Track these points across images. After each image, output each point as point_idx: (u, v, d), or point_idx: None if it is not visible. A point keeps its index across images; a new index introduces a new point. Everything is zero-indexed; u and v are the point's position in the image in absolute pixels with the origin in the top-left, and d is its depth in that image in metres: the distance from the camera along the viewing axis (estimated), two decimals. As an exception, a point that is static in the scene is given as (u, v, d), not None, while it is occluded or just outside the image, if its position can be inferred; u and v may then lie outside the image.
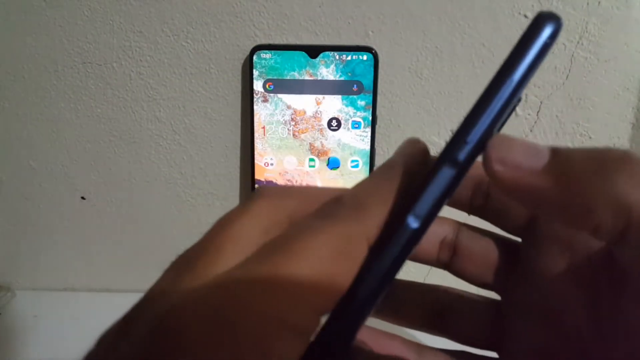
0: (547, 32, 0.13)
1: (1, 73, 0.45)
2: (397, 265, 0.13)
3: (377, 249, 0.13)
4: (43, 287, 0.52)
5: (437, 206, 0.13)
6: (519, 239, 0.18)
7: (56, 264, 0.51)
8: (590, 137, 0.45)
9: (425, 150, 0.16)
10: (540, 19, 0.13)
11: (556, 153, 0.13)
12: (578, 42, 0.42)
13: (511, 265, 0.17)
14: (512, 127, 0.45)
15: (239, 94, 0.45)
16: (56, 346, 0.46)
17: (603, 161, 0.12)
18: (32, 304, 0.50)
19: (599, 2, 0.41)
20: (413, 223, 0.13)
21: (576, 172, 0.12)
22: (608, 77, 0.43)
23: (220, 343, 0.10)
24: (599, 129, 0.44)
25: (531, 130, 0.45)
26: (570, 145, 0.45)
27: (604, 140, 0.45)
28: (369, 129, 0.43)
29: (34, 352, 0.46)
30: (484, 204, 0.17)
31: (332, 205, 0.14)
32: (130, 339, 0.11)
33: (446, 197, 0.13)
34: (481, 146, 0.13)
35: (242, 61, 0.44)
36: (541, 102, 0.44)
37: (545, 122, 0.44)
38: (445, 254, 0.18)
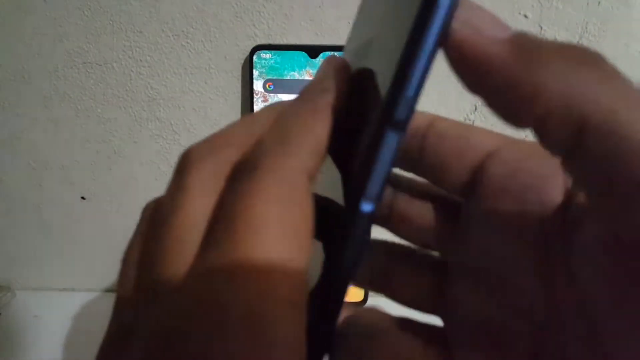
0: None
1: (1, 73, 0.45)
2: (361, 254, 0.12)
3: (334, 243, 0.12)
4: (43, 287, 0.52)
5: (386, 179, 0.11)
6: (460, 199, 0.16)
7: (56, 264, 0.51)
8: (590, 137, 0.45)
9: (345, 66, 0.14)
10: None
11: (522, 33, 0.11)
12: (578, 42, 0.42)
13: (452, 227, 0.16)
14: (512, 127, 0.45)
15: (239, 94, 0.45)
16: (56, 346, 0.46)
17: (568, 48, 0.10)
18: (32, 304, 0.50)
19: (599, 2, 0.40)
20: (367, 207, 0.11)
21: (536, 50, 0.10)
22: (608, 77, 0.43)
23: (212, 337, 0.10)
24: (599, 129, 0.44)
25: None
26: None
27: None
28: (369, 129, 0.43)
29: (34, 352, 0.46)
30: (419, 158, 0.15)
31: (256, 152, 0.12)
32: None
33: (393, 164, 0.12)
34: (418, 96, 0.11)
35: (242, 61, 0.44)
36: (541, 102, 0.44)
37: (545, 122, 0.44)
38: (384, 214, 0.16)
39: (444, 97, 0.44)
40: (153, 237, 0.12)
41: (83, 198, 0.49)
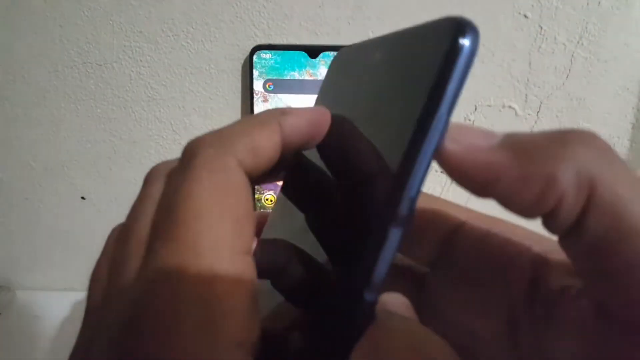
0: (465, 53, 0.11)
1: (1, 73, 0.45)
2: (360, 336, 0.12)
3: (324, 316, 0.12)
4: (43, 287, 0.52)
5: (389, 269, 0.12)
6: (427, 269, 0.16)
7: (56, 264, 0.51)
8: (590, 137, 0.45)
9: (324, 119, 0.14)
10: (455, 39, 0.11)
11: (511, 133, 0.12)
12: (578, 42, 0.42)
13: (418, 298, 0.16)
14: (513, 127, 0.45)
15: (239, 94, 0.45)
16: (56, 346, 0.46)
17: (564, 134, 0.11)
18: (32, 304, 0.50)
19: (599, 2, 0.41)
20: (371, 297, 0.12)
21: (535, 144, 0.11)
22: (608, 77, 0.43)
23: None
24: (599, 129, 0.44)
25: (531, 130, 0.45)
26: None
27: (604, 140, 0.45)
28: (369, 129, 0.43)
29: (34, 352, 0.46)
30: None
31: (194, 150, 0.13)
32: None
33: (395, 256, 0.12)
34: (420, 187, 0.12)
35: (242, 61, 0.44)
36: (541, 102, 0.44)
37: (546, 122, 0.44)
38: None
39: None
40: (118, 247, 0.13)
41: (83, 198, 0.49)
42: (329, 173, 0.15)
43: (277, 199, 0.17)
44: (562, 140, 0.11)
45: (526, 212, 0.11)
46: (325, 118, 0.14)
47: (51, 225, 0.49)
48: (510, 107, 0.44)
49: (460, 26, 0.11)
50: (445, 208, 0.15)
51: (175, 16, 0.43)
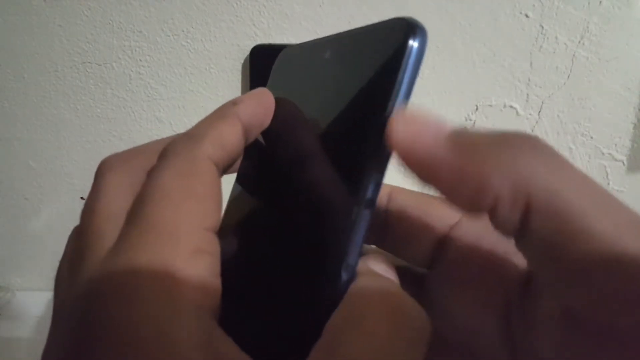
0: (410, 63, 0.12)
1: (1, 73, 0.45)
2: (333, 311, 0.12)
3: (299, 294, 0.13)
4: (43, 288, 0.52)
5: (361, 250, 0.12)
6: (425, 270, 0.16)
7: (56, 265, 0.51)
8: (591, 137, 0.44)
9: (268, 99, 0.15)
10: (405, 39, 0.12)
11: (459, 129, 0.12)
12: (579, 42, 0.42)
13: (417, 298, 0.16)
14: (514, 127, 0.44)
15: (239, 94, 0.45)
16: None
17: (506, 137, 0.11)
18: (32, 304, 0.50)
19: (600, 2, 0.40)
20: (346, 276, 0.12)
21: (476, 144, 0.11)
22: (609, 76, 0.42)
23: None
24: (600, 128, 0.44)
25: (532, 130, 0.45)
26: (571, 145, 0.45)
27: (606, 140, 0.45)
28: (369, 129, 0.43)
29: (34, 353, 0.46)
30: (382, 232, 0.16)
31: (167, 148, 0.14)
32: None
33: (365, 237, 0.13)
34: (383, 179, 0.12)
35: (242, 61, 0.44)
36: (542, 102, 0.44)
37: (547, 121, 0.44)
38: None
39: (444, 97, 0.44)
40: (76, 244, 0.13)
41: (82, 198, 0.49)
42: (284, 158, 0.15)
43: (233, 188, 0.17)
44: (503, 144, 0.11)
45: (464, 208, 0.12)
46: (268, 95, 0.15)
47: (51, 225, 0.49)
48: (511, 106, 0.44)
49: (410, 27, 0.12)
50: (437, 209, 0.15)
51: (175, 16, 0.43)
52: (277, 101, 0.16)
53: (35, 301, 0.50)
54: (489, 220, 0.15)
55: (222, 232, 0.13)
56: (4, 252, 0.51)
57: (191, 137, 0.14)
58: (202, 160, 0.13)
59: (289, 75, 0.17)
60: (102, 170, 0.14)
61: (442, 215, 0.15)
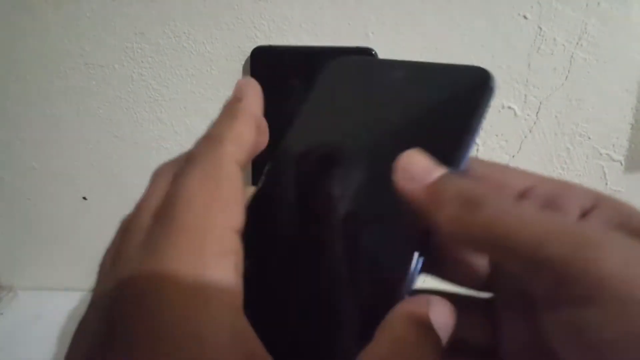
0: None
1: (3, 73, 0.45)
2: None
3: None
4: (44, 287, 0.52)
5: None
6: (488, 294, 0.17)
7: (57, 264, 0.51)
8: (589, 138, 0.45)
9: (254, 84, 0.16)
10: (491, 84, 0.16)
11: (441, 178, 0.14)
12: (577, 43, 0.42)
13: (485, 324, 0.17)
14: (512, 128, 0.45)
15: (240, 95, 0.45)
16: (57, 346, 0.46)
17: (462, 189, 0.13)
18: (33, 304, 0.50)
19: (598, 3, 0.41)
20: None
21: (439, 193, 0.13)
22: (607, 78, 0.43)
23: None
24: (598, 129, 0.44)
25: (530, 131, 0.45)
26: (569, 146, 0.45)
27: (603, 141, 0.45)
28: (369, 130, 0.43)
29: (35, 352, 0.46)
30: (437, 260, 0.17)
31: (192, 151, 0.15)
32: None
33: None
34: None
35: (243, 62, 0.44)
36: (540, 103, 0.44)
37: (545, 122, 0.45)
38: None
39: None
40: (117, 236, 0.15)
41: (84, 198, 0.49)
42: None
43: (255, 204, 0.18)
44: (456, 194, 0.13)
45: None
46: (255, 82, 0.16)
47: (53, 225, 0.50)
48: (509, 107, 0.44)
49: (491, 75, 0.16)
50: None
51: (176, 18, 0.43)
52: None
53: (37, 301, 0.51)
54: None
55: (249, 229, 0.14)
56: (5, 252, 0.51)
57: (213, 139, 0.15)
58: (226, 162, 0.14)
59: (346, 84, 0.19)
60: (153, 174, 0.16)
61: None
